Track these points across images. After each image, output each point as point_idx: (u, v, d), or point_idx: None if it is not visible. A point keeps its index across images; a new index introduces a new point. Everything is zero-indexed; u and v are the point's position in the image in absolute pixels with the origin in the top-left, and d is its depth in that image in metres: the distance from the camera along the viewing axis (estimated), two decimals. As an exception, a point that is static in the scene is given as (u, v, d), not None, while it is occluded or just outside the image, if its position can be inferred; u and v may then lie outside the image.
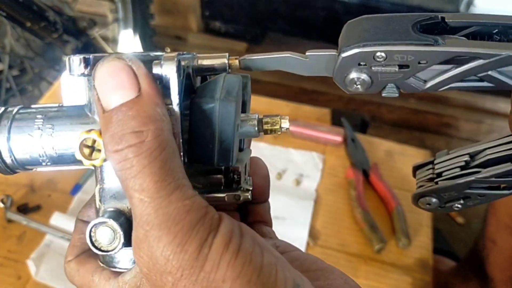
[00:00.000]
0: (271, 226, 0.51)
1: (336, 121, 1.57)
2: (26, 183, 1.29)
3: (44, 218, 1.21)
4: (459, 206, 0.46)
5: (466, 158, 0.47)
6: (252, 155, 0.49)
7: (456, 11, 2.09)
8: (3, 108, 0.38)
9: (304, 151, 1.44)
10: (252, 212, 0.51)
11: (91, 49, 1.73)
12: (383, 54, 0.34)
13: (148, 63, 0.34)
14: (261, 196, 0.50)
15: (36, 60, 1.80)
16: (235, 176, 0.42)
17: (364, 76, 0.35)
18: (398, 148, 1.49)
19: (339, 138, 1.45)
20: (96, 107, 0.34)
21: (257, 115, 0.41)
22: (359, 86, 0.36)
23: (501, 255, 1.23)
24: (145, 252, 0.32)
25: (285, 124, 0.40)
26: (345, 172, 1.38)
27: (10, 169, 0.39)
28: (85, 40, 1.68)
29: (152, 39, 2.15)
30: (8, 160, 0.38)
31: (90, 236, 0.35)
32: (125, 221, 0.36)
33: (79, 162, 0.36)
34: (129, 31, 2.01)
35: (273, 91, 1.80)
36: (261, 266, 0.32)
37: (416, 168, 0.52)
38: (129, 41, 2.03)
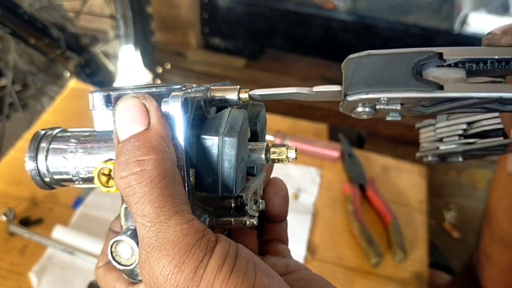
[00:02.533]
0: (287, 244, 0.54)
1: (333, 137, 1.59)
2: (28, 196, 1.31)
3: (46, 231, 1.23)
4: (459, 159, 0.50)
5: (464, 126, 0.51)
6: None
7: (451, 29, 2.13)
8: (44, 131, 0.43)
9: (302, 166, 1.47)
10: (269, 230, 0.54)
11: (93, 65, 1.76)
12: (386, 99, 0.37)
13: (166, 96, 0.38)
14: (279, 215, 0.53)
15: (39, 76, 1.83)
16: (245, 201, 0.44)
17: (368, 110, 0.38)
18: (394, 163, 1.52)
19: (336, 153, 1.48)
20: (114, 139, 0.38)
21: (265, 144, 0.43)
22: (364, 116, 0.39)
23: (495, 268, 1.25)
24: (146, 271, 0.34)
25: (291, 154, 0.43)
26: (342, 186, 1.41)
27: (48, 185, 0.43)
28: (87, 56, 1.71)
29: (153, 55, 2.19)
30: (46, 178, 0.42)
31: (111, 251, 0.39)
32: None
33: None
34: (130, 47, 2.05)
35: (271, 106, 1.82)
36: (252, 286, 0.34)
37: (419, 128, 0.58)
38: (130, 57, 2.06)
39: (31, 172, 0.42)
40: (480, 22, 2.09)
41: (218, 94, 0.43)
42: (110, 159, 0.40)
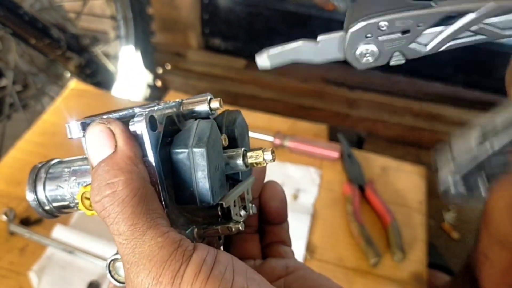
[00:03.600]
0: (289, 245, 0.55)
1: (333, 137, 1.60)
2: (28, 196, 1.32)
3: (46, 231, 1.23)
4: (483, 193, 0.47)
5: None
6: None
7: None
8: (41, 164, 0.46)
9: (302, 166, 1.47)
10: (270, 233, 0.54)
11: (93, 65, 1.76)
12: (386, 23, 0.38)
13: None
14: (278, 218, 0.54)
15: (40, 76, 1.83)
16: (228, 208, 0.45)
17: (371, 47, 0.39)
18: (394, 164, 1.52)
19: (336, 154, 1.48)
20: (90, 166, 0.39)
21: (242, 150, 0.44)
22: (369, 57, 0.39)
23: (494, 269, 1.25)
24: (129, 286, 0.36)
25: (268, 156, 0.44)
26: (342, 187, 1.41)
27: (50, 214, 0.46)
28: (88, 56, 1.72)
29: (153, 55, 2.19)
30: (46, 207, 0.45)
31: (109, 270, 0.40)
32: None
33: None
34: (131, 48, 2.05)
35: (271, 107, 1.83)
36: None
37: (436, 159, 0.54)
38: (130, 58, 2.07)
39: (32, 203, 0.45)
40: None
41: (189, 107, 0.45)
42: (90, 184, 0.41)
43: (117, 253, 0.40)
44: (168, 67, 2.37)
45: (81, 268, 1.17)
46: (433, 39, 0.39)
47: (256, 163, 0.44)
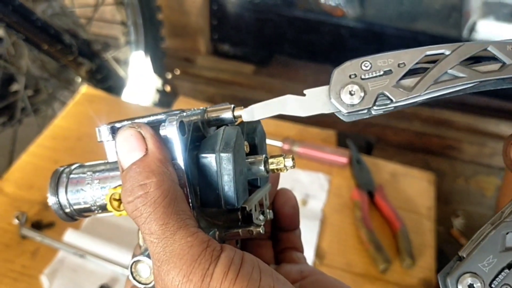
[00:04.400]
0: (302, 251, 0.56)
1: (341, 143, 1.60)
2: (40, 200, 1.33)
3: (57, 235, 1.24)
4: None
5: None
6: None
7: (459, 37, 2.13)
8: (62, 168, 0.47)
9: (310, 171, 1.48)
10: (283, 239, 0.55)
11: (104, 71, 1.78)
12: (369, 62, 0.40)
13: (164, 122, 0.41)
14: (291, 224, 0.55)
15: (51, 81, 1.85)
16: (249, 212, 0.46)
17: (355, 87, 0.40)
18: (403, 170, 1.52)
19: (344, 160, 1.49)
20: (119, 168, 0.41)
21: (264, 156, 0.46)
22: (354, 98, 0.40)
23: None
24: (159, 284, 0.37)
25: (289, 162, 0.45)
26: (351, 193, 1.41)
27: (70, 217, 0.47)
28: (99, 62, 1.73)
29: (162, 61, 2.20)
30: (67, 210, 0.46)
31: (131, 272, 0.42)
32: None
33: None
34: (140, 53, 2.07)
35: (280, 113, 1.83)
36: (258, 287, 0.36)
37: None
38: (140, 63, 2.08)
39: (53, 206, 0.46)
40: (489, 30, 2.09)
41: (214, 115, 0.46)
42: (119, 185, 0.43)
43: (139, 255, 0.41)
44: (177, 72, 2.39)
45: (92, 271, 1.18)
46: (417, 83, 0.40)
47: (277, 169, 0.46)
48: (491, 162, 2.06)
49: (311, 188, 1.43)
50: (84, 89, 1.74)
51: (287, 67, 2.48)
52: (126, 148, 0.40)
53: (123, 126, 0.41)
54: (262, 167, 0.45)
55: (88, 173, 0.45)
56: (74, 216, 0.47)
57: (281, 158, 0.45)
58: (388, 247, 1.28)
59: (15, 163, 1.46)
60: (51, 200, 0.46)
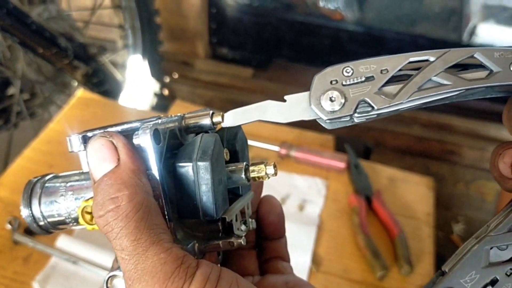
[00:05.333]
0: (288, 261, 0.54)
1: (339, 148, 1.59)
2: (33, 205, 1.31)
3: (50, 241, 1.23)
4: None
5: None
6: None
7: (459, 40, 2.12)
8: (36, 179, 0.45)
9: (308, 176, 1.46)
10: (268, 248, 0.53)
11: (100, 74, 1.77)
12: (350, 68, 0.39)
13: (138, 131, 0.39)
14: (275, 232, 0.53)
15: (47, 85, 1.84)
16: (230, 223, 0.44)
17: (336, 93, 0.38)
18: (401, 175, 1.50)
19: (342, 164, 1.47)
20: (91, 180, 0.39)
21: (245, 164, 0.44)
22: (334, 105, 0.39)
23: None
24: None
25: (270, 170, 0.43)
26: (348, 198, 1.40)
27: (44, 230, 0.45)
28: (95, 66, 1.72)
29: (160, 64, 2.19)
30: (41, 223, 0.44)
31: (107, 287, 0.40)
32: None
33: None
34: (138, 57, 2.06)
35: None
36: None
37: None
38: (137, 67, 2.07)
39: (26, 219, 0.44)
40: (489, 33, 2.08)
41: (192, 121, 0.44)
42: (91, 197, 0.41)
43: (115, 270, 0.40)
44: (176, 76, 2.37)
45: (85, 278, 1.16)
46: (400, 90, 0.38)
47: (258, 177, 0.44)
48: (492, 167, 2.04)
49: (308, 193, 1.42)
50: (80, 92, 1.72)
51: (286, 70, 2.47)
52: (97, 159, 0.38)
53: (94, 136, 0.39)
54: (243, 176, 0.44)
55: (62, 184, 0.44)
56: (49, 229, 0.45)
57: (262, 166, 0.44)
58: (386, 254, 1.26)
59: (10, 167, 1.45)
60: (24, 212, 0.44)
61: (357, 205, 1.36)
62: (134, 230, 0.35)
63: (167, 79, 2.32)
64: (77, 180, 0.44)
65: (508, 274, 0.38)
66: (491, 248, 0.38)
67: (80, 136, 0.41)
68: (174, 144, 0.42)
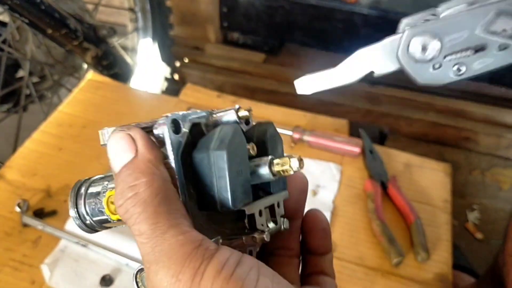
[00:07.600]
0: (333, 278, 0.50)
1: (354, 133, 1.55)
2: (43, 188, 1.30)
3: (59, 223, 1.21)
4: None
5: None
6: None
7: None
8: (83, 179, 0.46)
9: (321, 161, 1.43)
10: (311, 262, 0.50)
11: (110, 57, 1.74)
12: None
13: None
14: (320, 248, 0.50)
15: (56, 67, 1.81)
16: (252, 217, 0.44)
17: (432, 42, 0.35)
18: (417, 160, 1.47)
19: (357, 149, 1.44)
20: (113, 173, 0.40)
21: (269, 157, 0.43)
22: (428, 53, 0.36)
23: (524, 272, 1.19)
24: (150, 285, 0.36)
25: (294, 163, 0.42)
26: (363, 183, 1.37)
27: (91, 229, 0.46)
28: (105, 48, 1.69)
29: (171, 49, 2.16)
30: (87, 222, 0.45)
31: (136, 281, 0.40)
32: None
33: None
34: (148, 41, 2.03)
35: (291, 101, 1.78)
36: None
37: None
38: (148, 51, 2.04)
39: (74, 219, 0.45)
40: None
41: (218, 116, 0.45)
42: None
43: None
44: (186, 60, 2.34)
45: (94, 261, 1.14)
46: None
47: (283, 171, 0.42)
48: (508, 154, 2.00)
49: (322, 178, 1.39)
50: (90, 75, 1.70)
51: (298, 55, 2.43)
52: (116, 151, 0.39)
53: (114, 130, 0.40)
54: (266, 169, 0.42)
55: (105, 182, 0.44)
56: (95, 228, 0.46)
57: (286, 159, 0.42)
58: (401, 240, 1.23)
59: (19, 150, 1.43)
60: (72, 212, 0.45)
61: (372, 190, 1.32)
62: (152, 214, 0.36)
63: (177, 64, 2.29)
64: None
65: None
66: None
67: (112, 129, 0.42)
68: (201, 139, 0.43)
